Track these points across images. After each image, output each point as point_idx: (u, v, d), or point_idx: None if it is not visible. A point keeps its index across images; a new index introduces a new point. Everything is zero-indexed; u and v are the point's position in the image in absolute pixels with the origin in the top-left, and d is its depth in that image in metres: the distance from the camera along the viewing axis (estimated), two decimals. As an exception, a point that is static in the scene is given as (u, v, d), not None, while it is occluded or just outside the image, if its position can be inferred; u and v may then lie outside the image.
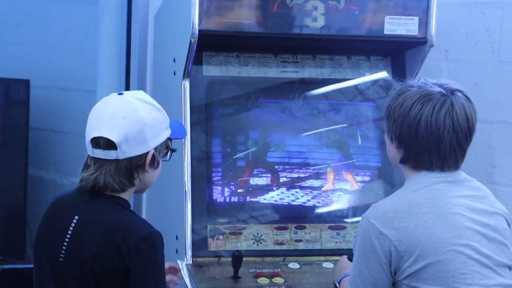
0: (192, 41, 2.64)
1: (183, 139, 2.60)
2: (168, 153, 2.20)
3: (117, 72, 3.38)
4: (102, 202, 2.11)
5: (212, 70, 2.86)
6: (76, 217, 2.11)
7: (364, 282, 2.08)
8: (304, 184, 2.87)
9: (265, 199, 2.83)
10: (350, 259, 2.55)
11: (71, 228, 2.10)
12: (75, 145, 4.08)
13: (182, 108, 2.73)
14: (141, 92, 2.20)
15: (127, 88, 3.33)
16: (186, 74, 2.73)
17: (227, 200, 2.79)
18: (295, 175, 2.87)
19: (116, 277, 2.04)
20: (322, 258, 2.78)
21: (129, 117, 2.07)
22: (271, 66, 2.91)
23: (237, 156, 2.84)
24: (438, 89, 2.14)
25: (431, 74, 3.24)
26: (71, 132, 4.11)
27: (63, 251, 2.10)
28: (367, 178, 2.92)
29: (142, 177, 2.14)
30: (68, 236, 2.10)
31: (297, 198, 2.86)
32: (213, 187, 2.78)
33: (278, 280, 2.60)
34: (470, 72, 3.24)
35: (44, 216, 2.21)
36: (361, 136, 2.96)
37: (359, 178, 2.91)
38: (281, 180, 2.86)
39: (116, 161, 2.07)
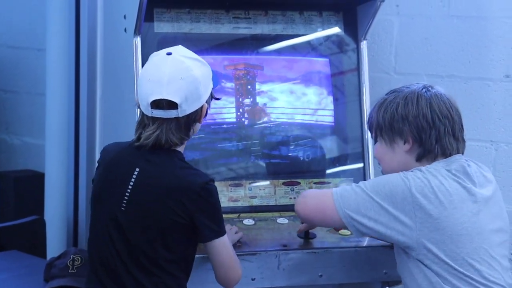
0: (143, -3, 2.60)
1: None
2: (211, 101, 2.33)
3: (66, 29, 3.32)
4: (160, 156, 2.23)
5: (163, 26, 2.84)
6: (137, 169, 2.23)
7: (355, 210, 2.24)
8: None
9: (220, 156, 2.83)
10: None
11: (132, 180, 2.22)
12: (26, 105, 4.03)
13: (133, 66, 2.70)
14: (183, 48, 2.29)
15: (77, 46, 3.28)
16: (137, 31, 2.70)
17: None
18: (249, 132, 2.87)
19: (181, 229, 2.21)
20: (276, 214, 2.81)
21: (186, 77, 2.20)
22: (223, 22, 2.89)
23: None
24: (418, 86, 2.32)
25: (382, 29, 3.27)
26: (22, 91, 4.05)
27: (125, 201, 2.22)
28: (320, 133, 2.94)
29: (195, 128, 2.29)
30: (130, 186, 2.22)
31: (252, 155, 2.86)
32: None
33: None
34: (421, 27, 3.25)
35: (102, 169, 2.31)
36: (314, 91, 2.96)
37: (311, 134, 2.93)
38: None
39: (176, 118, 2.21)
